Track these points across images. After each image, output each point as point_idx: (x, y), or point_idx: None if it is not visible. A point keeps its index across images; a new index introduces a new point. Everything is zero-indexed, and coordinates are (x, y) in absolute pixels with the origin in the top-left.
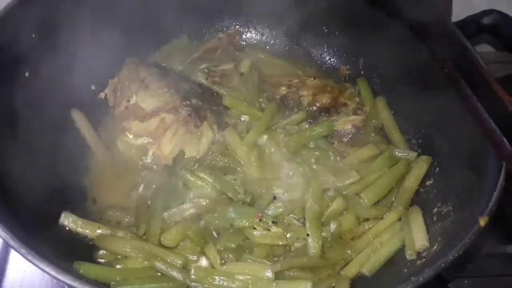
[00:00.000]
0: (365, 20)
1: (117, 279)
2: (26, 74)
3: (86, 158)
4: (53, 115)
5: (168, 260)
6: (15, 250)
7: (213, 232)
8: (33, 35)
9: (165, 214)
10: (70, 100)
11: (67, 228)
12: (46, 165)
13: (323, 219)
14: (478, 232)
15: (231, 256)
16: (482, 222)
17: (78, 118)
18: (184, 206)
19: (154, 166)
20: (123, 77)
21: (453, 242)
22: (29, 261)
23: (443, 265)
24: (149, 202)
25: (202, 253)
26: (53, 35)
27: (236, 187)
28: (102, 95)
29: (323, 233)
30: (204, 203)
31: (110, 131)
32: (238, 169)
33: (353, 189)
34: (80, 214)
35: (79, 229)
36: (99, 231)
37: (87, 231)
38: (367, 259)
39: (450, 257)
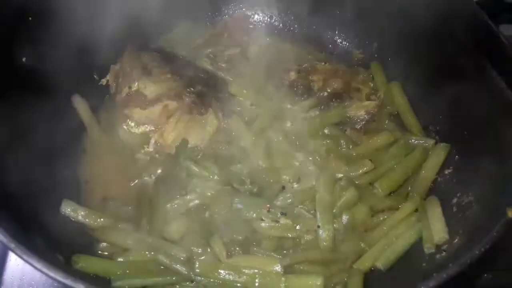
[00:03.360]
0: (379, 2)
1: (118, 273)
2: (23, 60)
3: (85, 146)
4: (54, 102)
5: (172, 253)
6: (11, 250)
7: (219, 224)
8: (30, 18)
9: (168, 205)
10: (71, 87)
11: (66, 219)
12: (43, 156)
13: (334, 210)
14: (507, 224)
15: (237, 249)
16: (511, 213)
17: (79, 104)
18: (188, 197)
19: (157, 155)
20: (125, 63)
21: (479, 235)
22: (18, 256)
23: (469, 260)
24: (151, 193)
25: (207, 245)
26: (53, 18)
27: (243, 177)
28: (103, 81)
29: (334, 225)
30: (209, 194)
31: (111, 118)
32: (245, 158)
33: (366, 179)
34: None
35: (80, 218)
36: (100, 220)
37: (88, 220)
38: (382, 252)
39: (476, 252)
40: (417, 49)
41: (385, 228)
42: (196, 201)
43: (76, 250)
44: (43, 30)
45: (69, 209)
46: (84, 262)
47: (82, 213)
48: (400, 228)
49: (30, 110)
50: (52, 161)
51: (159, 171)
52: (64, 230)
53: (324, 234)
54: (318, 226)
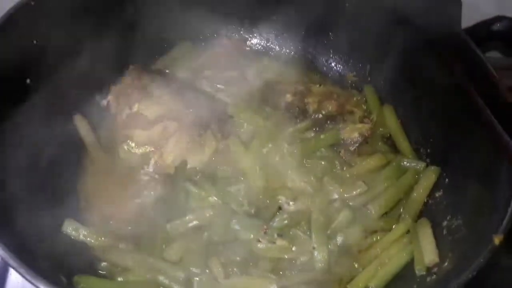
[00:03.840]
0: (372, 26)
1: None
2: (28, 81)
3: (84, 165)
4: (54, 121)
5: (171, 273)
6: (14, 269)
7: (217, 244)
8: (34, 42)
9: (168, 226)
10: (72, 107)
11: (67, 239)
12: (43, 176)
13: (329, 232)
14: (493, 251)
15: (235, 269)
16: (497, 240)
17: (80, 123)
18: (187, 217)
19: (156, 176)
20: (125, 84)
21: (466, 261)
22: (28, 280)
23: (456, 286)
24: (151, 213)
25: (206, 266)
26: (54, 41)
27: (240, 198)
28: (104, 102)
29: (329, 246)
30: (208, 215)
31: (112, 138)
32: (242, 179)
33: (360, 200)
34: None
35: (82, 237)
36: (102, 239)
37: (90, 239)
38: (375, 274)
39: (464, 278)
40: (408, 73)
41: (378, 249)
42: (195, 222)
43: (77, 269)
44: (46, 53)
45: (71, 228)
46: (85, 283)
47: (84, 232)
48: (392, 249)
49: (31, 130)
50: (53, 180)
51: (159, 191)
52: (65, 249)
53: (319, 255)
54: (314, 248)
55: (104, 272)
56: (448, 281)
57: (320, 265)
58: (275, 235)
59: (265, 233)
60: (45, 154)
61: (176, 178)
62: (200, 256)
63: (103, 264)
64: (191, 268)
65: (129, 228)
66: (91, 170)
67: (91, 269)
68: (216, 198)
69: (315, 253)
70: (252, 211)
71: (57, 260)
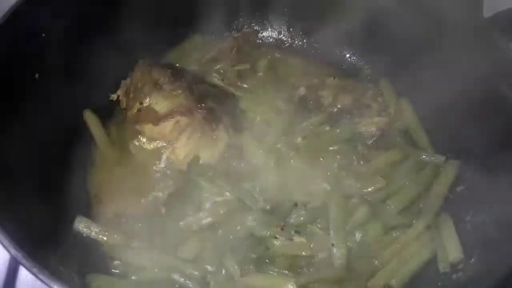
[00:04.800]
0: (388, 18)
1: None
2: (36, 76)
3: (94, 160)
4: (65, 117)
5: (186, 272)
6: (27, 269)
7: (232, 242)
8: (43, 35)
9: (181, 223)
10: (82, 102)
11: (79, 237)
12: (54, 173)
13: (347, 228)
14: None
15: (251, 267)
16: None
17: (90, 119)
18: (201, 214)
19: (168, 171)
20: (135, 78)
21: (496, 258)
22: (41, 280)
23: (493, 284)
24: (163, 210)
25: (221, 264)
26: (63, 35)
27: (255, 195)
28: (114, 97)
29: (348, 243)
30: (222, 212)
31: (122, 133)
32: (256, 175)
33: (378, 196)
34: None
35: (94, 235)
36: (114, 237)
37: (102, 237)
38: (396, 271)
39: (501, 275)
40: (425, 65)
41: (398, 245)
42: (209, 219)
43: (89, 268)
44: (55, 48)
45: (83, 226)
46: (99, 282)
47: (96, 230)
48: (413, 246)
49: (41, 125)
50: (63, 176)
51: (171, 187)
52: (78, 247)
53: (338, 252)
54: (332, 244)
55: (117, 271)
56: (481, 279)
57: (339, 262)
58: (292, 232)
59: (281, 229)
60: (55, 150)
61: (189, 174)
62: (215, 253)
63: (116, 262)
64: (206, 266)
65: (141, 225)
66: (101, 166)
67: (104, 267)
68: (230, 195)
69: (334, 250)
70: (268, 207)
71: (69, 259)
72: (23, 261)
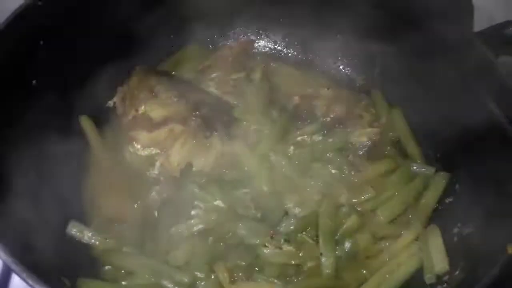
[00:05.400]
0: (382, 30)
1: None
2: (33, 83)
3: (88, 165)
4: (61, 123)
5: (176, 278)
6: (17, 274)
7: (223, 249)
8: (41, 42)
9: (173, 229)
10: (78, 108)
11: (71, 242)
12: (47, 177)
13: (337, 237)
14: (508, 261)
15: (240, 274)
16: (511, 250)
17: (86, 124)
18: (192, 221)
19: (161, 178)
20: (132, 85)
21: (480, 270)
22: (23, 280)
23: None
24: (156, 216)
25: (211, 271)
26: (61, 42)
27: (246, 202)
28: (110, 103)
29: (337, 252)
30: (213, 219)
31: (117, 140)
32: (248, 183)
33: (368, 206)
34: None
35: (86, 239)
36: (107, 241)
37: (95, 241)
38: (383, 280)
39: None
40: (418, 77)
41: (386, 255)
42: (200, 226)
43: (80, 273)
44: (52, 54)
45: (75, 230)
46: (89, 287)
47: (89, 234)
48: (401, 256)
49: (36, 130)
50: (56, 181)
51: (164, 194)
52: (69, 252)
53: (326, 261)
54: (321, 254)
55: (108, 276)
56: None
57: (327, 271)
58: (282, 240)
59: (271, 238)
60: (49, 155)
61: (181, 180)
62: (205, 260)
63: (107, 267)
64: (196, 273)
65: (134, 231)
66: (95, 171)
67: (94, 272)
68: (221, 202)
69: (323, 259)
70: (259, 215)
71: (61, 263)
72: (13, 265)
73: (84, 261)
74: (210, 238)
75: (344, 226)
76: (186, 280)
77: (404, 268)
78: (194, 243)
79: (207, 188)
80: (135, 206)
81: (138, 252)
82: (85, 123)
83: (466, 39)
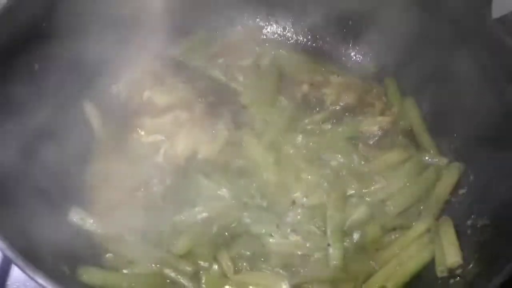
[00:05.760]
0: (395, 16)
1: (123, 285)
2: (36, 67)
3: (92, 152)
4: (64, 108)
5: (179, 267)
6: (15, 264)
7: (227, 238)
8: (44, 24)
9: (176, 217)
10: (83, 93)
11: (72, 229)
12: (51, 163)
13: (345, 228)
14: None
15: (245, 264)
16: None
17: (90, 110)
18: (196, 209)
19: (166, 165)
20: (138, 71)
21: (496, 264)
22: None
23: None
24: (159, 203)
25: (215, 260)
26: (65, 25)
27: (252, 191)
28: (115, 88)
29: (345, 243)
30: (218, 207)
31: (121, 126)
32: (255, 171)
33: (378, 196)
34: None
35: (88, 226)
36: (109, 229)
37: (96, 229)
38: (393, 273)
39: (496, 282)
40: (433, 65)
41: (396, 247)
42: (204, 214)
43: (81, 260)
44: (56, 38)
45: (77, 217)
46: (90, 275)
47: (91, 221)
48: (412, 248)
49: (40, 115)
50: (59, 167)
51: (168, 181)
52: (70, 239)
53: (334, 252)
54: (328, 244)
55: (109, 264)
56: (479, 285)
57: (334, 262)
58: (288, 230)
59: (277, 227)
60: (52, 142)
61: (186, 168)
62: (208, 249)
63: (108, 255)
64: (199, 262)
65: (136, 219)
66: (99, 158)
67: (95, 260)
68: (226, 190)
69: (330, 250)
70: (265, 204)
71: (61, 251)
72: (11, 255)
73: (85, 248)
74: (214, 227)
75: (353, 217)
76: (189, 269)
77: (414, 260)
78: (198, 231)
79: (212, 176)
80: (139, 193)
81: (140, 240)
82: (89, 109)
83: (485, 27)
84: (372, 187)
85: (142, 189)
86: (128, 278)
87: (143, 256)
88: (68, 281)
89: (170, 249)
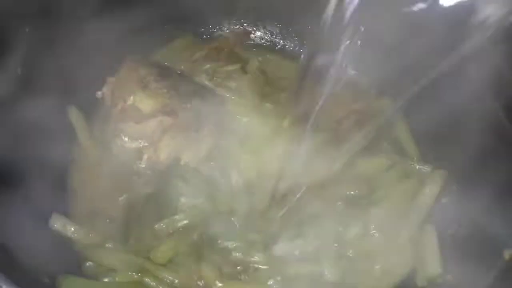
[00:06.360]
0: (383, 27)
1: None
2: (18, 71)
3: (73, 156)
4: (49, 113)
5: (159, 276)
6: None
7: (208, 246)
8: (26, 29)
9: (156, 225)
10: (66, 99)
11: (53, 237)
12: (29, 166)
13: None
14: (503, 267)
15: (226, 273)
16: (507, 255)
17: (74, 116)
18: (176, 217)
19: (148, 172)
20: (122, 75)
21: (475, 275)
22: None
23: None
24: (140, 210)
25: (196, 269)
26: (50, 31)
27: (234, 199)
28: (99, 94)
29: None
30: (198, 215)
31: (105, 131)
32: (237, 179)
33: (363, 202)
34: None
35: (69, 233)
36: (90, 236)
37: (77, 236)
38: (378, 283)
39: None
40: (417, 73)
41: (381, 256)
42: (185, 221)
43: (61, 268)
44: (40, 40)
45: (58, 224)
46: (69, 283)
47: (72, 228)
48: (395, 257)
49: (24, 120)
50: (41, 172)
51: (149, 188)
52: (51, 247)
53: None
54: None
55: (89, 272)
56: None
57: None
58: (270, 242)
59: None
60: (35, 146)
61: (168, 175)
62: (189, 258)
63: (88, 263)
64: (180, 271)
65: (117, 226)
66: (81, 163)
67: (75, 268)
68: (208, 198)
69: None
70: (247, 212)
71: (41, 259)
72: None
73: (65, 256)
74: (195, 235)
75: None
76: (169, 277)
77: (398, 270)
78: (179, 239)
79: (193, 183)
80: (120, 199)
81: (121, 248)
82: (74, 114)
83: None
84: (356, 191)
85: (124, 196)
86: (108, 287)
87: (123, 264)
88: None
89: (151, 257)
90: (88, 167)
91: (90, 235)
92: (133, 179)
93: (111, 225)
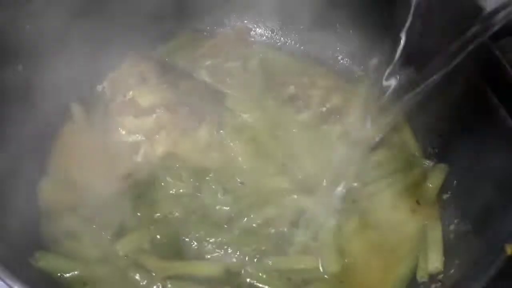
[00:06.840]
0: (382, 19)
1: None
2: (19, 68)
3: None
4: (50, 108)
5: (119, 265)
6: None
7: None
8: (27, 26)
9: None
10: (69, 94)
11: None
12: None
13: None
14: (505, 261)
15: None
16: (509, 249)
17: (75, 110)
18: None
19: (144, 166)
20: (123, 70)
21: (476, 269)
22: None
23: None
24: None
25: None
26: (49, 27)
27: (225, 197)
28: (100, 88)
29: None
30: (178, 209)
31: (104, 126)
32: (233, 175)
33: (364, 194)
34: None
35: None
36: (75, 271)
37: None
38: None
39: None
40: (417, 68)
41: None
42: (158, 214)
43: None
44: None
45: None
46: (44, 260)
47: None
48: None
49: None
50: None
51: (139, 181)
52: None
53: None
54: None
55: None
56: None
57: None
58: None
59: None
60: (36, 141)
61: (160, 169)
62: (156, 257)
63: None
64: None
65: (99, 216)
66: (76, 151)
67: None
68: (199, 194)
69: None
70: (233, 214)
71: (31, 233)
72: None
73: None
74: (173, 229)
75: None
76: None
77: (402, 264)
78: (150, 232)
79: (182, 178)
80: (104, 181)
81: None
82: (75, 108)
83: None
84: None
85: (112, 184)
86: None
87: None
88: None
89: (115, 246)
90: (79, 154)
91: (75, 271)
92: (124, 171)
93: (95, 213)
